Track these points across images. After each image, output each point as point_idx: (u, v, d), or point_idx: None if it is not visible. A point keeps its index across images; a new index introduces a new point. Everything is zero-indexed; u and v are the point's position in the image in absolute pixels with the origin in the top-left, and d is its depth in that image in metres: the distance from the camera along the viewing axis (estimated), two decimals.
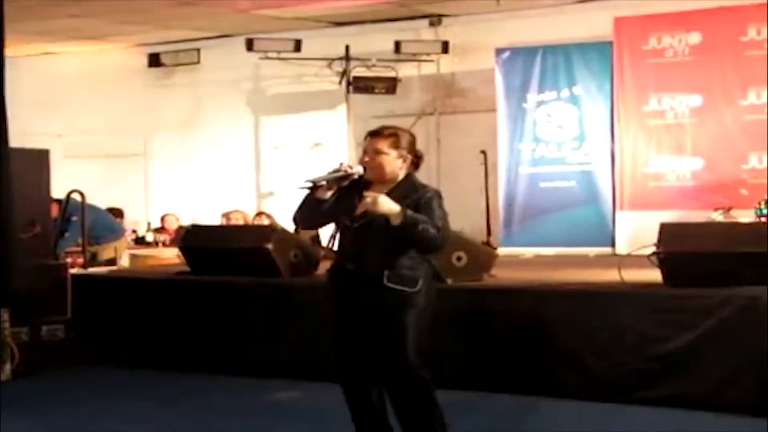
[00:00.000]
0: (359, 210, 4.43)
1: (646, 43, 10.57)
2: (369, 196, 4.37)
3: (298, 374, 6.89)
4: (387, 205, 4.33)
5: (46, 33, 12.79)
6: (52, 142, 9.47)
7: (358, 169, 4.59)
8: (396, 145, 4.57)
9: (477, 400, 6.30)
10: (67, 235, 9.09)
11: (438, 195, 4.55)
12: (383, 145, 4.56)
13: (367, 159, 4.57)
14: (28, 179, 7.76)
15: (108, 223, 10.14)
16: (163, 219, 12.60)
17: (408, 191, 4.50)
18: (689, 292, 6.04)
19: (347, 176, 4.59)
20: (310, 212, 4.66)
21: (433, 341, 6.62)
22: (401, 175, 4.57)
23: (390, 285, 4.41)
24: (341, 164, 4.65)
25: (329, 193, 4.58)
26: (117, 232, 10.29)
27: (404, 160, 4.57)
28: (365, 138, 4.66)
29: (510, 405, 6.20)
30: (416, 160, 4.62)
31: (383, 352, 4.47)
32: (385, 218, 4.34)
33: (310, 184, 4.59)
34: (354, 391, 4.62)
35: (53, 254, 8.22)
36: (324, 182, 4.57)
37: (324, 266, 7.96)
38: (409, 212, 4.34)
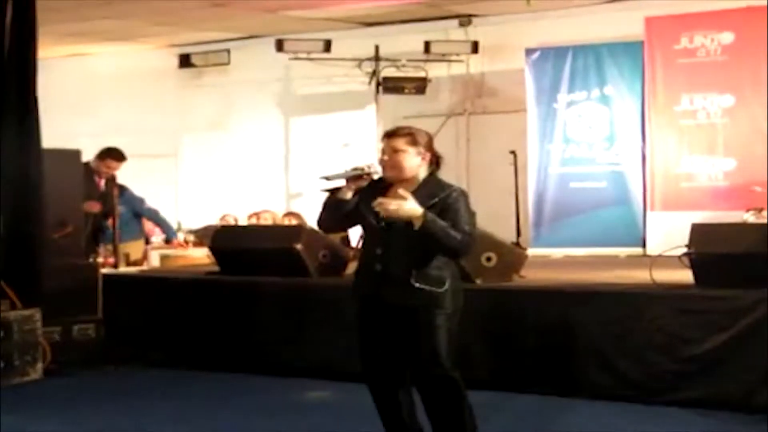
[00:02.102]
0: (380, 210, 4.39)
1: (678, 43, 10.50)
2: (393, 199, 4.35)
3: (327, 374, 6.89)
4: (409, 208, 4.31)
5: (78, 34, 12.88)
6: (83, 142, 9.51)
7: (377, 169, 4.60)
8: (413, 143, 4.55)
9: (506, 400, 6.28)
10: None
11: (464, 195, 4.54)
12: (400, 143, 4.54)
13: (385, 158, 4.56)
14: (60, 180, 7.82)
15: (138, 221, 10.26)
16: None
17: (434, 190, 4.49)
18: (721, 293, 6.00)
19: (365, 174, 4.60)
20: (333, 214, 4.67)
21: (462, 341, 6.64)
22: (421, 173, 4.56)
23: (417, 285, 4.40)
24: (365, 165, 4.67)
25: (350, 194, 4.59)
26: (142, 232, 10.40)
27: (423, 158, 4.55)
28: (381, 139, 4.66)
29: (539, 405, 6.18)
30: (435, 159, 4.61)
31: (415, 352, 4.46)
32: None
33: (326, 181, 4.60)
34: (381, 392, 4.61)
35: (84, 254, 8.28)
36: (342, 179, 4.57)
37: (353, 267, 7.99)
38: (430, 216, 4.32)
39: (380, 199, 4.36)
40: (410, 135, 4.57)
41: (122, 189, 9.58)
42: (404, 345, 4.49)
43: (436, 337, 4.41)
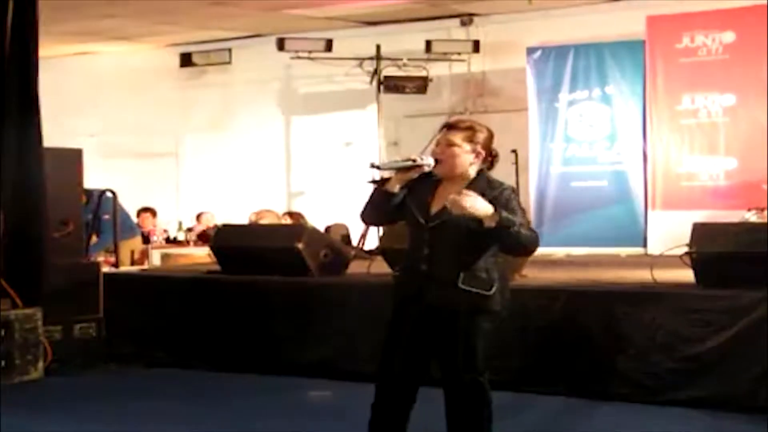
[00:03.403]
0: (452, 208, 4.14)
1: (680, 42, 10.50)
2: (464, 196, 4.13)
3: (327, 374, 6.89)
4: (483, 206, 4.12)
5: (79, 33, 12.89)
6: (84, 141, 9.52)
7: (429, 161, 4.37)
8: (470, 139, 4.35)
9: (507, 400, 6.26)
10: (102, 237, 9.15)
11: (515, 192, 4.37)
12: (457, 137, 4.34)
13: (438, 151, 4.37)
14: (61, 178, 7.81)
15: (127, 222, 10.19)
16: (198, 217, 12.63)
17: (484, 189, 4.26)
18: (722, 292, 6.00)
19: (417, 166, 4.36)
20: (380, 207, 4.44)
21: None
22: (472, 171, 4.36)
23: (464, 287, 4.22)
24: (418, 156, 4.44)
25: (398, 187, 4.36)
26: (134, 231, 10.35)
27: (477, 156, 4.36)
28: (440, 130, 4.45)
29: (539, 405, 6.17)
30: (491, 158, 4.41)
31: (451, 355, 4.29)
32: (464, 218, 4.13)
33: (376, 171, 4.41)
34: (391, 395, 4.43)
35: (85, 253, 8.28)
36: (391, 170, 4.39)
37: (355, 266, 7.99)
38: (504, 213, 4.14)
39: (453, 196, 4.13)
40: (469, 129, 4.39)
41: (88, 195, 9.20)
42: (438, 348, 4.32)
43: (476, 341, 4.26)
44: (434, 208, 4.32)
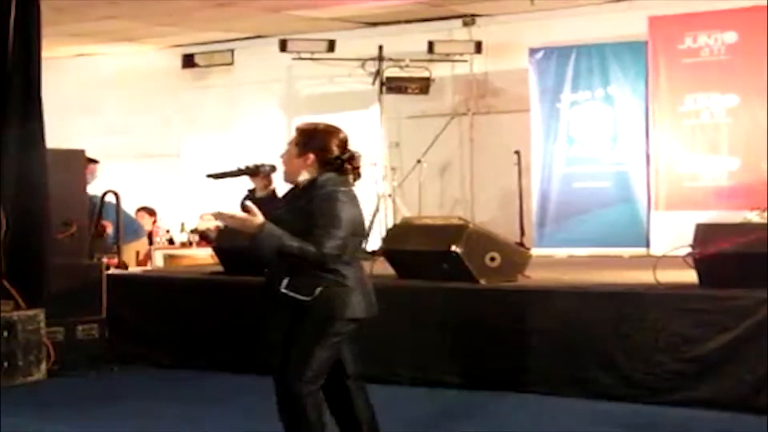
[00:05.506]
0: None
1: (682, 43, 10.48)
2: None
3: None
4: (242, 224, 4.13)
5: (81, 34, 12.88)
6: (86, 142, 9.51)
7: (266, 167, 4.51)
8: (297, 142, 4.29)
9: (510, 400, 6.28)
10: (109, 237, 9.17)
11: (331, 197, 4.17)
12: (292, 140, 4.33)
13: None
14: (63, 180, 7.82)
15: (130, 223, 10.19)
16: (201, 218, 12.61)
17: (300, 196, 4.25)
18: (725, 293, 6.00)
19: (245, 173, 4.51)
20: None
21: (466, 341, 6.65)
22: (304, 177, 4.27)
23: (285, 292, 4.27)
24: None
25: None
26: (138, 233, 10.35)
27: (306, 160, 4.24)
28: None
29: (542, 406, 6.17)
30: (340, 161, 4.24)
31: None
32: None
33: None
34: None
35: (88, 254, 8.28)
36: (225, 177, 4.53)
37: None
38: (268, 228, 4.06)
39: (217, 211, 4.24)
40: (299, 133, 4.32)
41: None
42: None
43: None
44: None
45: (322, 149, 4.25)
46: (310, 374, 4.20)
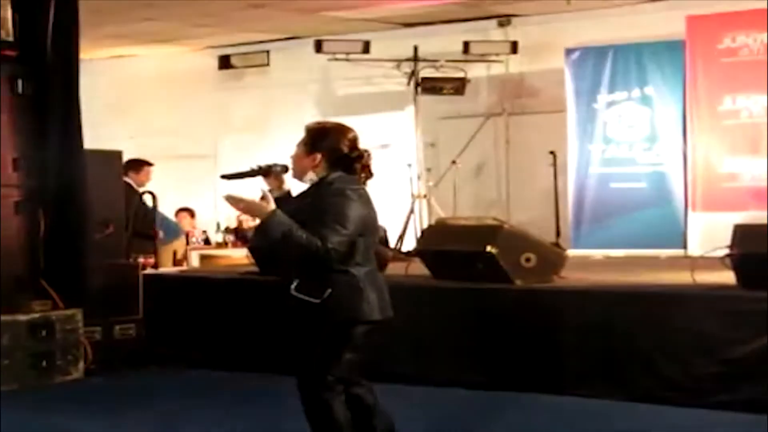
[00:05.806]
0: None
1: (720, 42, 10.39)
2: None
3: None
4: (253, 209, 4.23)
5: (118, 36, 12.97)
6: (124, 143, 9.59)
7: (278, 166, 4.56)
8: (305, 142, 4.32)
9: (548, 401, 6.25)
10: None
11: (342, 193, 4.18)
12: (301, 140, 4.35)
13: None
14: (101, 180, 7.88)
15: (167, 223, 10.26)
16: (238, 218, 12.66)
17: (310, 194, 4.27)
18: (763, 294, 5.93)
19: (258, 173, 4.57)
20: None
21: (502, 343, 6.63)
22: (310, 178, 4.29)
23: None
24: None
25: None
26: (177, 233, 10.42)
27: (313, 160, 4.25)
28: None
29: (580, 407, 6.14)
30: (350, 160, 4.26)
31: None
32: None
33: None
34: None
35: (125, 254, 8.34)
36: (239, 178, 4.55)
37: (393, 267, 7.97)
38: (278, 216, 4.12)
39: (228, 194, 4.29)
40: (307, 132, 4.33)
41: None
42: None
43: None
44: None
45: (332, 148, 4.25)
46: (332, 379, 4.25)
